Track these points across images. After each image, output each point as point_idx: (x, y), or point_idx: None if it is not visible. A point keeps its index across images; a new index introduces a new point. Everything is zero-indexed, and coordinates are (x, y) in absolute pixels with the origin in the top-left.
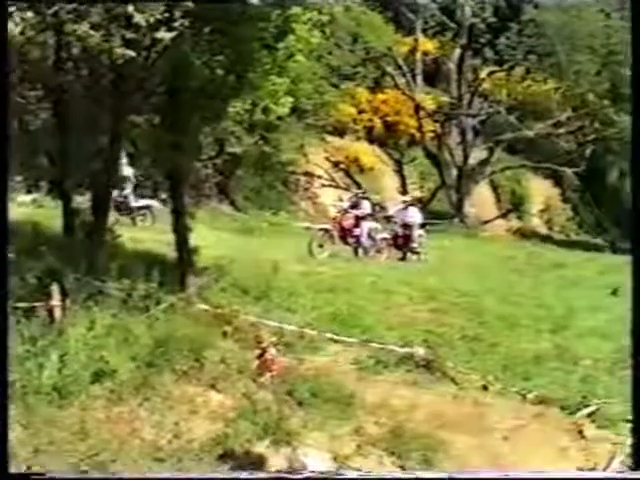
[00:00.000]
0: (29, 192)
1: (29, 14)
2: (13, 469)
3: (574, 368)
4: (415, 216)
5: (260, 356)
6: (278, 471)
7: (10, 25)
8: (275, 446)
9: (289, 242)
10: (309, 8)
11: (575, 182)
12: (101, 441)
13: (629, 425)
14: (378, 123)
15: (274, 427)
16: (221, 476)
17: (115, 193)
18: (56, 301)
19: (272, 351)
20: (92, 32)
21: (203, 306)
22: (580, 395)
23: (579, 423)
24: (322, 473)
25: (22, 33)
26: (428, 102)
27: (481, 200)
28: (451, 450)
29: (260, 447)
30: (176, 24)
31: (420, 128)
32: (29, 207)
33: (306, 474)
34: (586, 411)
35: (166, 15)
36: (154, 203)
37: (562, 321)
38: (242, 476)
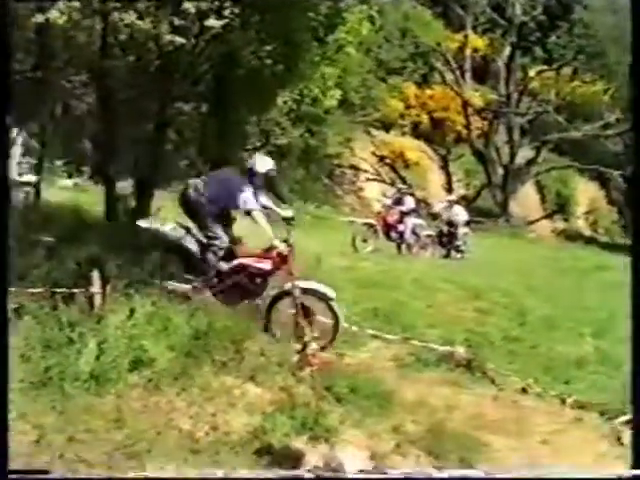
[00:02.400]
0: (70, 176)
1: (75, 2)
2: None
3: (615, 373)
4: (460, 214)
5: (301, 350)
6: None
7: (54, 13)
8: (313, 442)
9: (333, 235)
10: (359, 0)
11: (621, 185)
12: (137, 431)
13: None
14: (425, 119)
15: (312, 422)
16: (221, 476)
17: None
18: (96, 288)
19: (313, 345)
20: (139, 21)
21: None
22: (620, 401)
23: (618, 429)
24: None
25: (68, 19)
26: (476, 99)
27: (526, 200)
28: (489, 451)
29: (298, 442)
30: (226, 12)
31: (467, 125)
32: (71, 191)
33: (306, 475)
34: (625, 417)
35: (216, 3)
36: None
37: (604, 325)
38: (243, 476)
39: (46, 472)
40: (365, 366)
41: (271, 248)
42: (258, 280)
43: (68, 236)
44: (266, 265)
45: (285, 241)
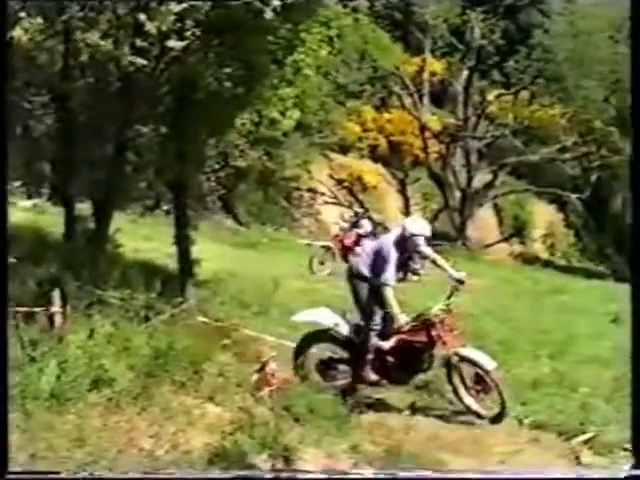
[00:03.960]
0: (30, 197)
1: (38, 20)
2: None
3: (572, 394)
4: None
5: (260, 370)
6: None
7: (18, 31)
8: (272, 460)
9: (290, 258)
10: (318, 22)
11: (579, 208)
12: (98, 449)
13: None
14: (383, 142)
15: (271, 441)
16: (221, 476)
17: None
18: (56, 307)
19: (272, 366)
20: (101, 42)
21: (203, 319)
22: (577, 422)
23: (577, 449)
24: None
25: (30, 38)
26: (434, 123)
27: (484, 223)
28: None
29: (257, 460)
30: (187, 34)
31: (425, 149)
32: (30, 212)
33: (307, 475)
34: (583, 438)
35: (178, 24)
36: None
37: (562, 347)
38: (241, 475)
39: (46, 473)
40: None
41: (419, 317)
42: (424, 354)
43: (28, 256)
44: (422, 337)
45: (447, 307)
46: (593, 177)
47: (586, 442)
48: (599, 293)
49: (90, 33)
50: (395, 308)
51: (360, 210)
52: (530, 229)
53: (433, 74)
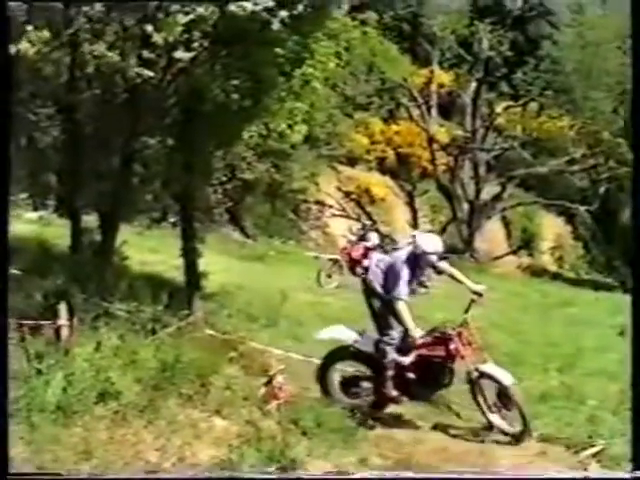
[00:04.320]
0: (36, 209)
1: (45, 32)
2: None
3: (580, 407)
4: None
5: (267, 383)
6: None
7: (24, 44)
8: (280, 474)
9: (297, 271)
10: (326, 35)
11: (587, 220)
12: (105, 462)
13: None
14: (391, 154)
15: (279, 454)
16: (220, 476)
17: None
18: (63, 320)
19: (279, 379)
20: (108, 53)
21: (210, 331)
22: (586, 434)
23: (584, 462)
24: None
25: (36, 51)
26: (442, 135)
27: (492, 236)
28: None
29: (265, 475)
30: (194, 45)
31: (433, 161)
32: (36, 224)
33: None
34: (591, 451)
35: (185, 36)
36: None
37: (570, 360)
38: (243, 476)
39: (46, 474)
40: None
41: (434, 331)
42: (443, 369)
43: (34, 268)
44: (440, 351)
45: (464, 320)
46: (601, 189)
47: (594, 455)
48: (607, 305)
49: (97, 45)
50: (409, 323)
51: (368, 222)
52: (538, 241)
53: (441, 86)
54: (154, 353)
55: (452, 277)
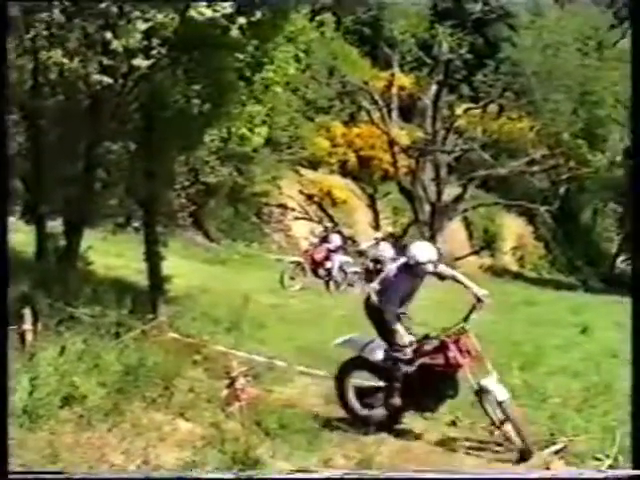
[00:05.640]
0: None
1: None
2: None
3: (543, 405)
4: (387, 251)
5: (229, 386)
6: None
7: None
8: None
9: (261, 274)
10: (285, 38)
11: (548, 220)
12: (70, 465)
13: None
14: (352, 157)
15: (242, 456)
16: (219, 476)
17: None
18: (28, 325)
19: (242, 381)
20: (65, 60)
21: (174, 335)
22: (548, 432)
23: (547, 459)
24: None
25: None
26: (403, 137)
27: (454, 237)
28: None
29: (228, 476)
30: (153, 52)
31: (394, 163)
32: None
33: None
34: (554, 448)
35: (144, 43)
36: None
37: (532, 358)
38: (241, 476)
39: (46, 473)
40: (294, 401)
41: (427, 338)
42: (445, 379)
43: None
44: (440, 360)
45: (462, 329)
46: (562, 189)
47: (557, 452)
48: (569, 304)
49: (54, 51)
50: (399, 330)
51: (330, 225)
52: (500, 242)
53: (402, 88)
54: (118, 357)
55: (455, 280)
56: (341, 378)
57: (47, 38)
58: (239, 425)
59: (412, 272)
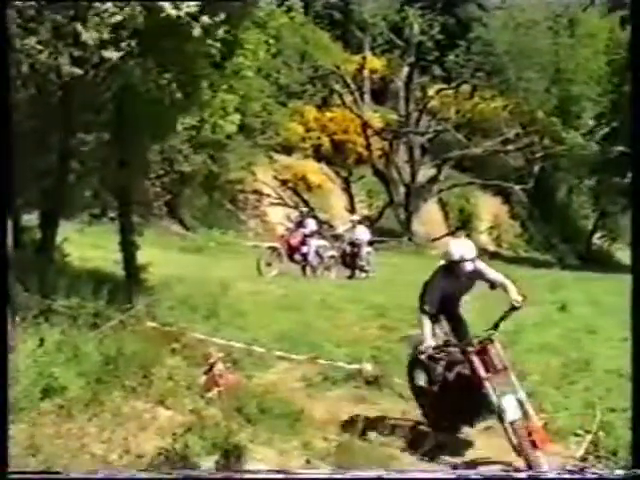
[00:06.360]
0: None
1: None
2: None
3: (522, 383)
4: (363, 234)
5: (208, 371)
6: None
7: None
8: (224, 461)
9: (238, 261)
10: (254, 24)
11: (524, 199)
12: (52, 456)
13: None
14: (326, 141)
15: (222, 442)
16: (215, 475)
17: None
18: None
19: (220, 366)
20: (39, 46)
21: (152, 324)
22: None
23: None
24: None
25: None
26: (376, 120)
27: (429, 218)
28: (399, 465)
29: (209, 462)
30: (123, 44)
31: (368, 146)
32: None
33: (305, 474)
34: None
35: (113, 35)
36: None
37: (510, 337)
38: (235, 476)
39: (46, 472)
40: (274, 386)
41: (448, 344)
42: (476, 392)
43: None
44: (467, 370)
45: (488, 338)
46: (536, 168)
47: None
48: (546, 282)
49: (28, 39)
50: (424, 331)
51: (305, 210)
52: (476, 221)
53: (373, 71)
54: (97, 347)
55: (495, 284)
56: (410, 373)
57: (19, 26)
58: (219, 411)
59: (452, 272)
